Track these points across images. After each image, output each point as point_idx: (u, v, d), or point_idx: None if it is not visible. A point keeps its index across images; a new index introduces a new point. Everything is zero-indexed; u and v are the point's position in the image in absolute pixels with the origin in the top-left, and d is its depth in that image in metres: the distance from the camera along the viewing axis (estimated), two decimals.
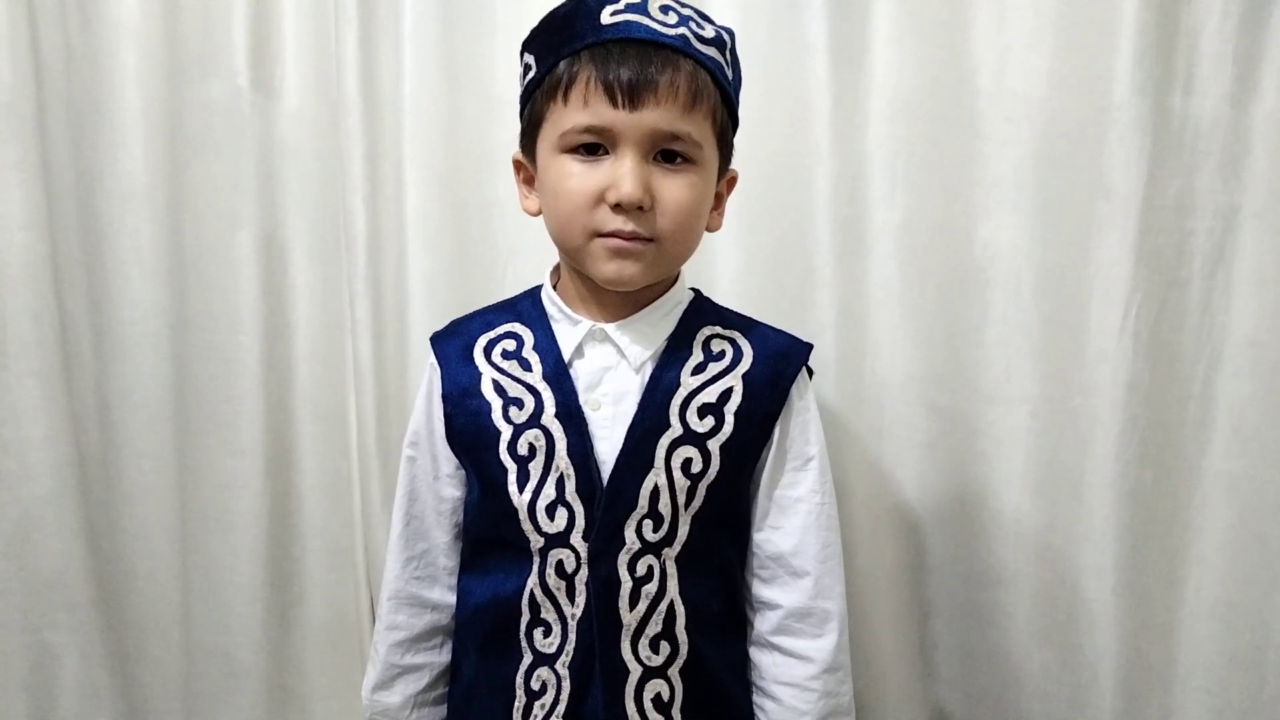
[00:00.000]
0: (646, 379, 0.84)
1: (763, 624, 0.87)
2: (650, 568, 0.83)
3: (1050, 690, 1.14)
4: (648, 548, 0.82)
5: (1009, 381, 1.11)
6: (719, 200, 0.88)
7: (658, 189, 0.78)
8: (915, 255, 1.12)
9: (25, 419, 1.33)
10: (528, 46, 0.85)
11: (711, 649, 0.85)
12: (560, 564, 0.83)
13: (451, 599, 0.93)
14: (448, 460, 0.91)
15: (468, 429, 0.87)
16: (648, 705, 0.82)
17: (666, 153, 0.79)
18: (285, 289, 1.32)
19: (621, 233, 0.78)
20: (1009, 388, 1.12)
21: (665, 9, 0.79)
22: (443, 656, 0.94)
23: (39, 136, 1.28)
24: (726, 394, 0.84)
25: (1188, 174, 1.04)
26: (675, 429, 0.83)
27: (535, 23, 0.84)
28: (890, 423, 1.16)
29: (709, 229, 0.87)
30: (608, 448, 0.83)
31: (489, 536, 0.88)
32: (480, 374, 0.87)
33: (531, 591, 0.84)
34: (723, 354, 0.86)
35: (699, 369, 0.85)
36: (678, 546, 0.83)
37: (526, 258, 1.23)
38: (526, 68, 0.84)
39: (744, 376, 0.85)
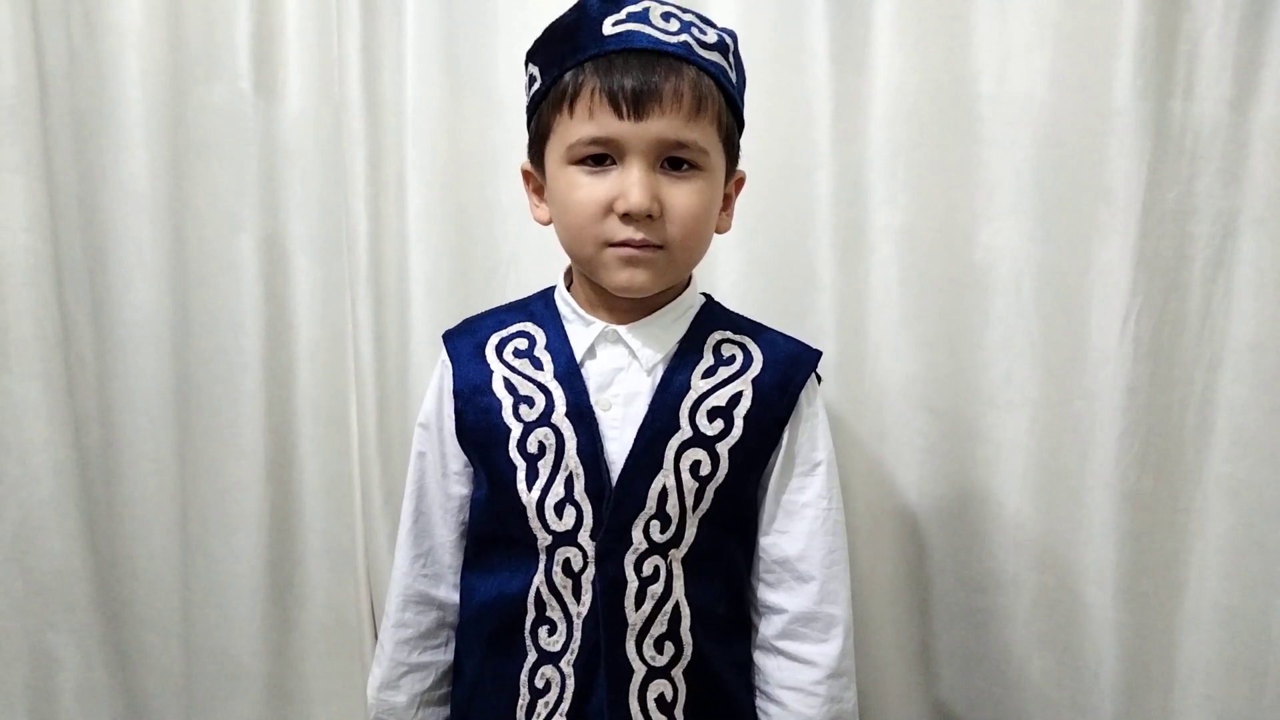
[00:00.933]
0: (658, 381, 0.85)
1: (767, 628, 0.88)
2: (656, 568, 0.83)
3: (1050, 694, 1.14)
4: (654, 548, 0.83)
5: (1009, 385, 1.12)
6: (727, 201, 0.89)
7: (666, 197, 0.79)
8: (916, 259, 1.13)
9: (27, 421, 1.33)
10: (532, 57, 0.85)
11: (715, 650, 0.86)
12: (567, 562, 0.83)
13: (456, 597, 0.94)
14: (456, 457, 0.92)
15: (478, 425, 0.87)
16: (651, 705, 0.83)
17: (673, 160, 0.79)
18: (287, 291, 1.32)
19: (632, 241, 0.79)
20: (1009, 391, 1.12)
21: (667, 16, 0.80)
22: (447, 654, 0.95)
23: (42, 139, 1.29)
24: (736, 398, 0.85)
25: (1188, 179, 1.04)
26: (685, 431, 0.83)
27: (537, 27, 0.84)
28: (890, 426, 1.16)
29: (718, 230, 0.88)
30: (617, 448, 0.83)
31: (495, 534, 0.89)
32: (491, 371, 0.87)
33: (537, 589, 0.84)
34: (733, 358, 0.86)
35: (709, 372, 0.85)
36: (684, 548, 0.84)
37: (528, 260, 1.24)
38: (531, 79, 0.85)
39: (754, 381, 0.85)
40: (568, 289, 0.91)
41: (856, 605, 0.90)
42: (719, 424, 0.84)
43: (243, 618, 1.35)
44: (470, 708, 0.91)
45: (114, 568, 1.37)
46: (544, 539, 0.84)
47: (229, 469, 1.33)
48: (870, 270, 1.14)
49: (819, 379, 0.91)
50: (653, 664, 0.83)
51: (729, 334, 0.88)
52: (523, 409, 0.85)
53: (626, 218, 0.78)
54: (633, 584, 0.82)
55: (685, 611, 0.84)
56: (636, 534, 0.82)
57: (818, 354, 0.90)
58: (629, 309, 0.86)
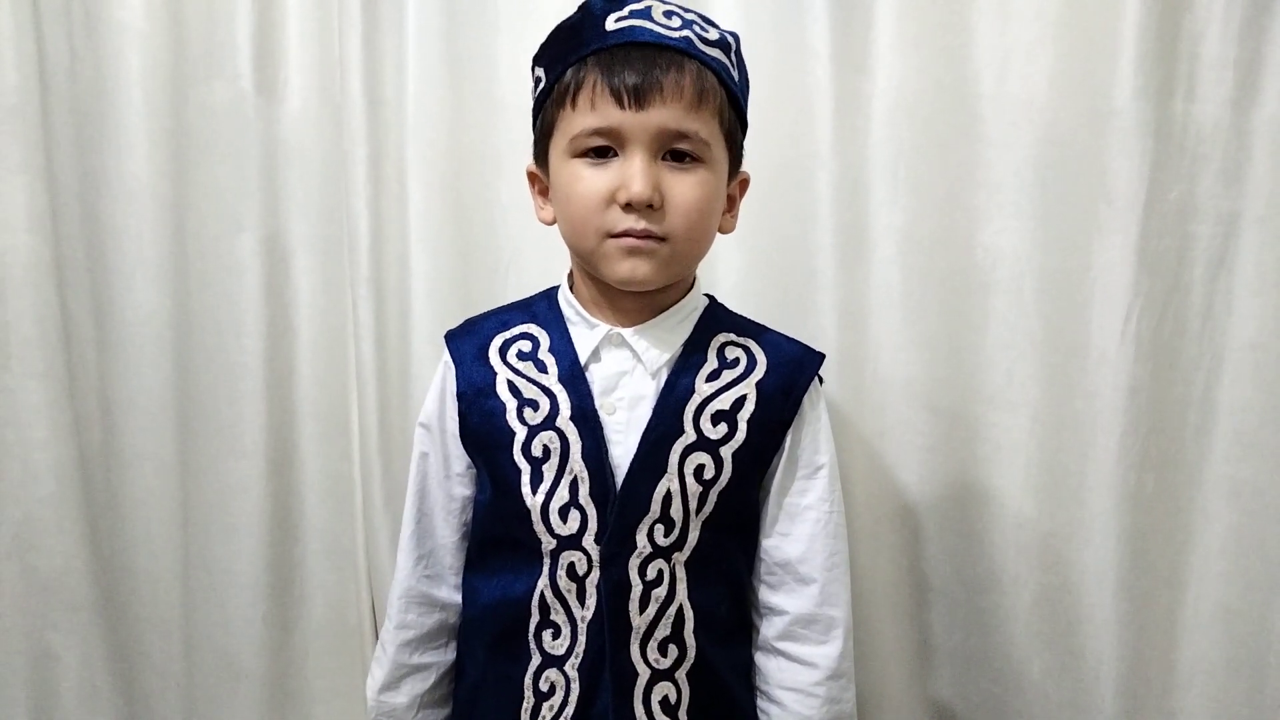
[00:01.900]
0: (662, 384, 0.85)
1: (768, 629, 0.88)
2: (660, 572, 0.83)
3: (1051, 694, 1.14)
4: (658, 552, 0.83)
5: (1010, 385, 1.12)
6: (731, 202, 0.89)
7: (667, 188, 0.79)
8: (917, 258, 1.13)
9: (28, 421, 1.33)
10: (538, 60, 0.86)
11: (718, 653, 0.86)
12: (572, 566, 0.83)
13: (457, 598, 0.94)
14: (459, 459, 0.92)
15: (482, 429, 0.87)
16: (655, 707, 0.83)
17: (675, 152, 0.80)
18: (288, 291, 1.32)
19: (633, 231, 0.79)
20: (1010, 391, 1.12)
21: (669, 14, 0.80)
22: (448, 656, 0.95)
23: (43, 139, 1.29)
24: (740, 401, 0.85)
25: (1189, 179, 1.04)
26: (689, 435, 0.83)
27: (539, 26, 0.85)
28: (891, 425, 1.16)
29: (722, 230, 0.88)
30: (622, 452, 0.84)
31: (499, 537, 0.89)
32: (495, 374, 0.87)
33: (542, 593, 0.85)
34: (737, 361, 0.87)
35: (713, 376, 0.85)
36: (688, 551, 0.84)
37: (529, 260, 1.24)
38: (537, 80, 0.85)
39: (758, 384, 0.85)
40: (571, 290, 0.91)
41: (856, 604, 0.91)
42: (723, 428, 0.84)
43: (243, 617, 1.34)
44: (474, 709, 0.91)
45: (114, 567, 1.37)
46: (548, 543, 0.84)
47: (230, 469, 1.33)
48: (871, 270, 1.14)
49: (821, 381, 0.92)
50: (657, 667, 0.83)
51: (733, 336, 0.88)
52: (527, 412, 0.85)
53: (628, 207, 0.78)
54: (637, 588, 0.83)
55: (689, 614, 0.84)
56: (641, 538, 0.83)
57: (821, 357, 0.90)
58: (633, 310, 0.86)
